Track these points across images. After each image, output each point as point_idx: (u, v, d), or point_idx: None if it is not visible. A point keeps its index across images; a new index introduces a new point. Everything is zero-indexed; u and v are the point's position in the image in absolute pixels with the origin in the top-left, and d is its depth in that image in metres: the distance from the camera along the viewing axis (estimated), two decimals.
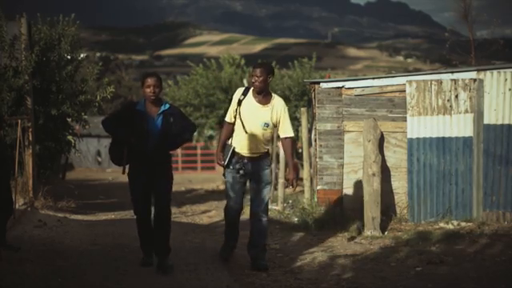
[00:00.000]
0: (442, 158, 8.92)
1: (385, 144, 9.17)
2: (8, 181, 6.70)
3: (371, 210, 8.35)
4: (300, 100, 23.74)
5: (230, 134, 6.50)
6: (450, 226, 8.45)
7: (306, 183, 11.08)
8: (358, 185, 9.05)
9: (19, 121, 9.73)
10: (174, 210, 12.58)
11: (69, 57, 11.69)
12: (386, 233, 8.35)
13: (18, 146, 9.27)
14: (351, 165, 9.32)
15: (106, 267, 6.18)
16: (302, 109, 11.89)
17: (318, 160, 9.44)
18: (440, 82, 8.98)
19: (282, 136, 6.49)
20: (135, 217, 6.31)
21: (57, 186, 12.45)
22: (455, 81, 8.98)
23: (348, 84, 9.30)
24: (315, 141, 9.69)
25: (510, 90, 8.76)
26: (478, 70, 8.98)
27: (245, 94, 6.41)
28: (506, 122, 8.74)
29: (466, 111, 8.89)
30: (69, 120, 11.81)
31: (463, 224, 8.50)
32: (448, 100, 8.94)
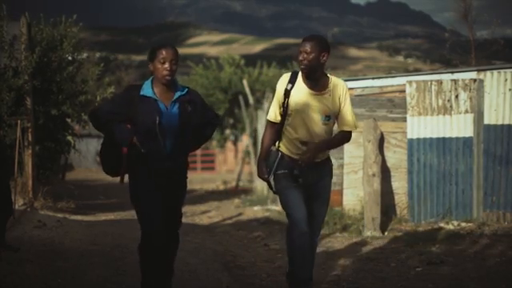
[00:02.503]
0: (442, 158, 8.92)
1: (385, 144, 9.16)
2: (8, 181, 6.69)
3: (371, 211, 8.35)
4: None
5: (276, 138, 4.87)
6: (451, 227, 8.45)
7: None
8: (358, 185, 9.04)
9: (19, 121, 9.72)
10: None
11: (70, 58, 11.69)
12: (386, 233, 8.35)
13: (17, 146, 9.26)
14: (351, 165, 9.31)
15: (106, 268, 6.17)
16: None
17: None
18: (440, 82, 8.97)
19: (340, 129, 4.85)
20: (143, 246, 4.65)
21: (56, 186, 12.44)
22: (455, 81, 8.97)
23: (348, 84, 9.28)
24: None
25: (510, 90, 8.75)
26: (478, 70, 8.98)
27: (292, 80, 4.77)
28: (507, 122, 8.73)
29: (466, 111, 8.89)
30: (68, 120, 11.81)
31: (463, 224, 8.49)
32: (448, 100, 8.94)
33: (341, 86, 4.80)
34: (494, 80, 8.83)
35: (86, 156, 30.16)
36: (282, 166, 4.76)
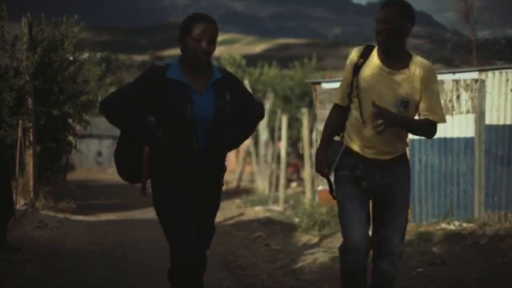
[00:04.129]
0: (443, 158, 8.91)
1: None
2: (9, 181, 6.69)
3: (372, 211, 8.34)
4: (301, 101, 23.75)
5: (340, 125, 3.94)
6: (452, 227, 8.43)
7: (308, 184, 11.07)
8: None
9: (20, 121, 9.73)
10: None
11: (71, 58, 11.71)
12: None
13: (18, 146, 9.27)
14: None
15: (107, 268, 6.17)
16: (303, 109, 11.90)
17: None
18: (441, 83, 8.97)
19: (424, 117, 3.82)
20: (176, 271, 3.69)
21: (57, 186, 12.45)
22: (457, 81, 8.96)
23: None
24: (316, 141, 9.68)
25: (511, 90, 8.74)
26: (479, 71, 8.97)
27: (365, 55, 3.86)
28: (508, 122, 8.71)
29: (468, 111, 8.88)
30: (70, 120, 11.83)
31: (465, 225, 8.48)
32: (449, 100, 8.93)
33: (425, 68, 3.82)
34: (495, 80, 8.82)
35: (86, 156, 30.20)
36: (345, 164, 3.81)
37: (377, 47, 3.87)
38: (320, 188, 9.42)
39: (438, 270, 6.25)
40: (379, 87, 3.76)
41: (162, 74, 3.47)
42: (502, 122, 8.74)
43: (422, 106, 3.81)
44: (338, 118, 3.95)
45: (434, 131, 3.88)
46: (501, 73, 8.82)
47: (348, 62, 3.91)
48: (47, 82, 11.18)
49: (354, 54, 3.91)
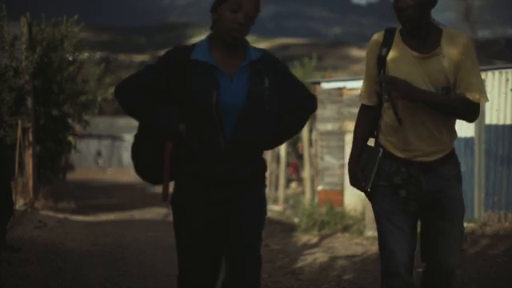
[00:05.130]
0: None
1: None
2: (8, 181, 6.68)
3: (372, 211, 8.34)
4: None
5: (373, 127, 3.29)
6: None
7: (307, 183, 11.07)
8: None
9: (19, 121, 9.73)
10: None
11: (70, 58, 11.71)
12: None
13: (18, 146, 9.26)
14: None
15: (107, 268, 6.17)
16: None
17: (318, 160, 9.43)
18: None
19: (460, 94, 3.11)
20: None
21: (57, 186, 12.46)
22: None
23: (349, 84, 9.30)
24: (316, 141, 9.69)
25: (511, 90, 8.74)
26: (479, 71, 8.96)
27: (387, 42, 3.17)
28: (508, 122, 8.71)
29: None
30: (69, 121, 11.84)
31: (465, 225, 8.48)
32: None
33: (460, 41, 3.12)
34: (495, 80, 8.81)
35: (86, 156, 30.22)
36: (384, 173, 3.16)
37: (398, 29, 3.17)
38: (320, 188, 9.42)
39: None
40: (412, 77, 3.07)
41: (186, 56, 2.87)
42: (502, 122, 8.74)
43: (457, 83, 3.11)
44: (369, 120, 3.27)
45: (474, 112, 3.13)
46: (501, 72, 8.82)
47: (369, 53, 3.22)
48: (47, 81, 11.18)
49: (374, 44, 3.20)
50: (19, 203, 9.48)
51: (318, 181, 9.50)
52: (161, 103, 2.91)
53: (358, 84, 9.38)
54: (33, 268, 5.82)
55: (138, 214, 12.08)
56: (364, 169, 3.22)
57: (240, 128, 2.84)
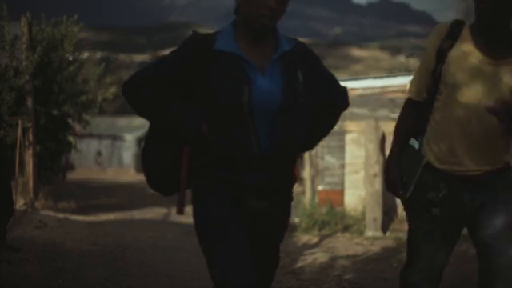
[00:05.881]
0: None
1: (386, 144, 9.15)
2: (9, 181, 6.67)
3: (372, 211, 8.33)
4: None
5: (418, 127, 2.83)
6: None
7: (307, 183, 11.08)
8: (360, 185, 9.02)
9: (20, 121, 9.73)
10: (174, 210, 12.59)
11: (70, 58, 11.72)
12: (387, 233, 8.34)
13: (18, 146, 9.26)
14: (352, 165, 9.30)
15: (107, 268, 6.16)
16: None
17: (319, 160, 9.43)
18: None
19: None
20: None
21: (57, 186, 12.45)
22: None
23: (349, 84, 9.29)
24: None
25: None
26: None
27: (453, 35, 2.72)
28: None
29: None
30: (70, 121, 11.84)
31: None
32: None
33: None
34: None
35: (86, 156, 30.21)
36: (423, 184, 2.76)
37: (468, 25, 2.73)
38: (320, 188, 9.42)
39: None
40: (475, 84, 2.63)
41: (209, 45, 2.44)
42: None
43: None
44: (414, 118, 2.83)
45: None
46: None
47: (429, 43, 2.79)
48: (47, 81, 11.18)
49: (436, 34, 2.77)
50: (19, 203, 9.48)
51: (319, 181, 9.49)
52: (179, 100, 2.46)
53: (359, 84, 9.37)
54: (33, 268, 5.82)
55: (137, 214, 12.08)
56: (404, 174, 2.82)
57: (275, 130, 2.42)
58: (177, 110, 2.47)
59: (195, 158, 2.48)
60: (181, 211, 2.53)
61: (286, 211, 2.65)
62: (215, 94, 2.41)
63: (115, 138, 33.11)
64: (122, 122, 34.03)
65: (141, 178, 27.65)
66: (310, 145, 2.72)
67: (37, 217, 8.92)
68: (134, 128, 32.23)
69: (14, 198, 7.16)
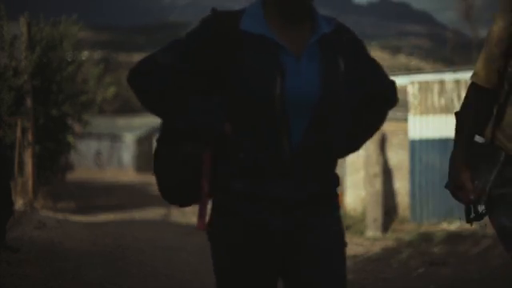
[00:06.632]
0: (444, 158, 8.87)
1: (387, 144, 9.13)
2: (8, 181, 6.65)
3: (373, 211, 8.31)
4: None
5: (487, 117, 2.45)
6: (453, 227, 8.41)
7: None
8: (360, 185, 9.01)
9: (19, 121, 9.72)
10: (174, 210, 12.61)
11: (69, 60, 11.71)
12: (387, 233, 8.32)
13: (18, 146, 9.25)
14: (353, 165, 9.28)
15: (107, 268, 6.15)
16: None
17: None
18: (443, 82, 8.94)
19: None
20: None
21: (56, 186, 12.44)
22: (458, 80, 8.93)
23: None
24: None
25: None
26: None
27: None
28: None
29: None
30: (69, 121, 11.83)
31: (465, 225, 8.46)
32: (451, 100, 8.90)
33: None
34: None
35: (86, 156, 30.20)
36: (505, 178, 2.36)
37: None
38: None
39: (440, 271, 6.22)
40: None
41: (232, 25, 2.02)
42: None
43: None
44: (480, 107, 2.42)
45: None
46: None
47: (496, 26, 2.38)
48: (46, 81, 11.16)
49: (506, 12, 2.36)
50: (18, 203, 9.47)
51: None
52: (197, 93, 2.02)
53: None
54: (32, 268, 5.81)
55: (137, 214, 12.06)
56: (476, 177, 2.38)
57: (313, 129, 1.98)
58: (193, 104, 2.00)
59: (215, 165, 2.03)
60: (201, 226, 2.04)
61: (336, 224, 2.06)
62: (240, 86, 1.97)
63: (115, 137, 33.11)
64: (122, 121, 34.02)
65: (140, 178, 27.68)
66: (353, 148, 2.22)
67: (36, 217, 8.91)
68: (133, 128, 32.22)
69: (13, 198, 7.16)
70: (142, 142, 31.32)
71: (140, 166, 30.13)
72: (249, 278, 1.99)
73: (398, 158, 9.17)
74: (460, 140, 2.48)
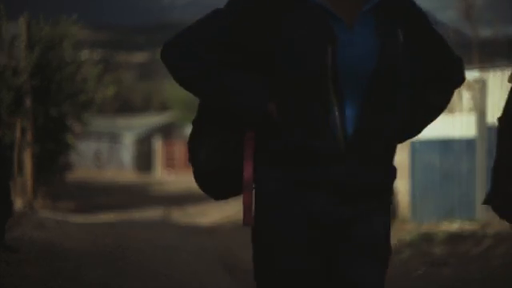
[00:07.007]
0: (444, 158, 8.87)
1: None
2: (7, 181, 6.64)
3: None
4: None
5: None
6: (453, 227, 8.40)
7: None
8: None
9: (18, 121, 9.70)
10: (175, 211, 12.61)
11: (69, 60, 11.70)
12: None
13: (17, 146, 9.24)
14: None
15: (107, 268, 6.14)
16: None
17: None
18: None
19: None
20: None
21: (56, 186, 12.43)
22: None
23: None
24: None
25: None
26: (480, 69, 8.94)
27: None
28: None
29: (469, 111, 8.84)
30: (69, 120, 11.82)
31: (466, 225, 8.45)
32: (452, 99, 8.90)
33: None
34: (497, 79, 8.78)
35: (85, 156, 30.19)
36: None
37: None
38: None
39: (440, 271, 6.21)
40: None
41: None
42: None
43: None
44: None
45: None
46: (503, 72, 8.79)
47: None
48: (45, 81, 11.14)
49: None
50: (18, 203, 9.46)
51: None
52: (238, 70, 1.82)
53: None
54: (32, 268, 5.79)
55: (137, 214, 12.05)
56: None
57: (368, 108, 1.77)
58: (234, 82, 1.80)
59: (262, 150, 1.82)
60: (249, 221, 1.80)
61: (385, 223, 1.86)
62: (287, 59, 1.76)
63: (114, 137, 33.11)
64: (122, 121, 34.01)
65: (140, 178, 27.60)
66: (413, 131, 2.01)
67: (36, 217, 8.90)
68: (133, 128, 32.21)
69: (12, 198, 7.15)
70: (141, 142, 31.32)
71: (140, 165, 30.14)
72: (300, 268, 1.79)
73: (399, 157, 9.10)
74: (504, 145, 2.23)
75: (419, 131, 2.03)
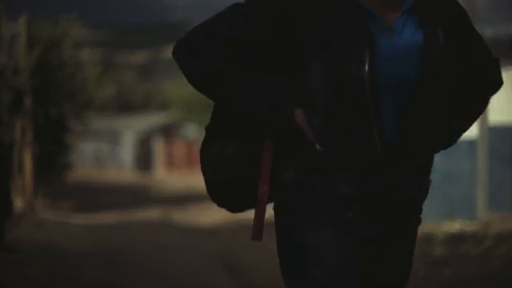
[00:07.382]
0: (445, 158, 8.85)
1: None
2: (7, 182, 6.64)
3: None
4: None
5: None
6: (454, 228, 8.39)
7: None
8: None
9: (18, 121, 9.70)
10: (175, 211, 12.60)
11: (68, 61, 11.71)
12: None
13: (17, 146, 9.23)
14: None
15: (106, 269, 6.14)
16: None
17: None
18: None
19: None
20: None
21: (56, 186, 12.43)
22: None
23: None
24: None
25: None
26: None
27: None
28: None
29: None
30: (69, 120, 11.82)
31: (467, 225, 8.44)
32: None
33: None
34: None
35: (85, 156, 30.18)
36: None
37: None
38: None
39: (441, 272, 6.20)
40: None
41: None
42: (505, 122, 8.71)
43: None
44: None
45: None
46: (504, 72, 8.77)
47: None
48: (45, 80, 11.14)
49: None
50: (18, 203, 9.45)
51: None
52: (259, 71, 1.64)
53: None
54: (32, 269, 5.79)
55: (137, 214, 12.05)
56: None
57: (408, 116, 1.62)
58: (256, 85, 1.61)
59: (280, 160, 1.66)
60: (258, 237, 1.68)
61: (413, 238, 1.82)
62: (318, 60, 1.59)
63: (114, 137, 33.12)
64: (122, 121, 34.02)
65: (140, 178, 27.59)
66: (450, 140, 1.82)
67: (35, 217, 8.90)
68: (133, 128, 32.21)
69: (12, 198, 7.13)
70: (141, 141, 31.33)
71: (140, 165, 30.14)
72: (337, 282, 1.66)
73: None
74: None
75: (455, 140, 1.85)
